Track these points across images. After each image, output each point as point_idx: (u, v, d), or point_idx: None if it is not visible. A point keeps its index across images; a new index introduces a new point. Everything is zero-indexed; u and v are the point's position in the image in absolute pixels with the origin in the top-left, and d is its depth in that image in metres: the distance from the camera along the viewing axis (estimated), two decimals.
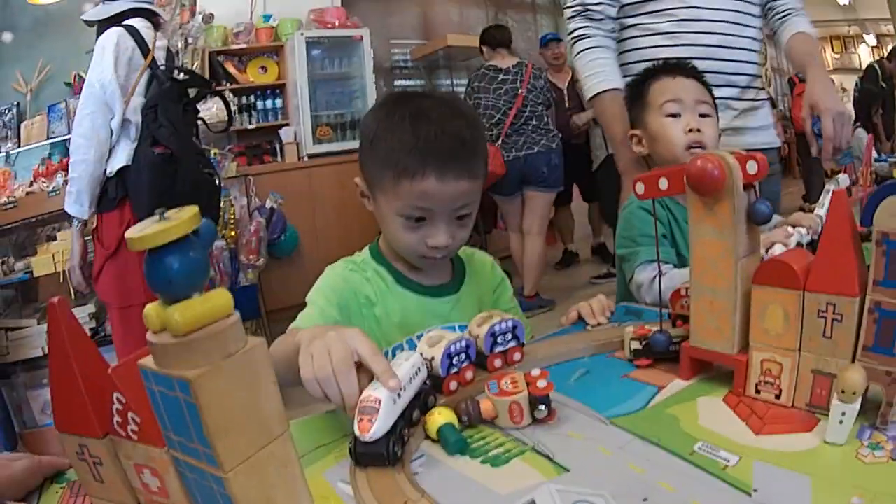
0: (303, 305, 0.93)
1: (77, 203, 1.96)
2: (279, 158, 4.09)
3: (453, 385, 0.74)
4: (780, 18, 1.51)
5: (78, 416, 0.46)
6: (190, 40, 3.50)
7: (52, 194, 2.75)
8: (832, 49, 9.91)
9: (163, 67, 2.05)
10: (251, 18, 4.15)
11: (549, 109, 3.61)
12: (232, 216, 3.12)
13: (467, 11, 5.36)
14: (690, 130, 1.17)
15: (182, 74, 2.16)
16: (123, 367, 0.44)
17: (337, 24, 4.21)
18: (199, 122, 2.19)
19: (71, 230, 2.09)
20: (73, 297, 2.40)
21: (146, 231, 0.37)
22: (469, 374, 0.76)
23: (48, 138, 3.45)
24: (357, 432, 0.60)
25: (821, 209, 1.12)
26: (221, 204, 2.89)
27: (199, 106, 2.20)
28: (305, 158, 4.01)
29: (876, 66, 6.15)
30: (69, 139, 2.23)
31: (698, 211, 0.71)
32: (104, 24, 1.99)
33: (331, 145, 4.05)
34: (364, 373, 0.64)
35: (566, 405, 0.73)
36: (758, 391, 0.70)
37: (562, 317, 1.03)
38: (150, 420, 0.43)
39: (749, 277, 0.69)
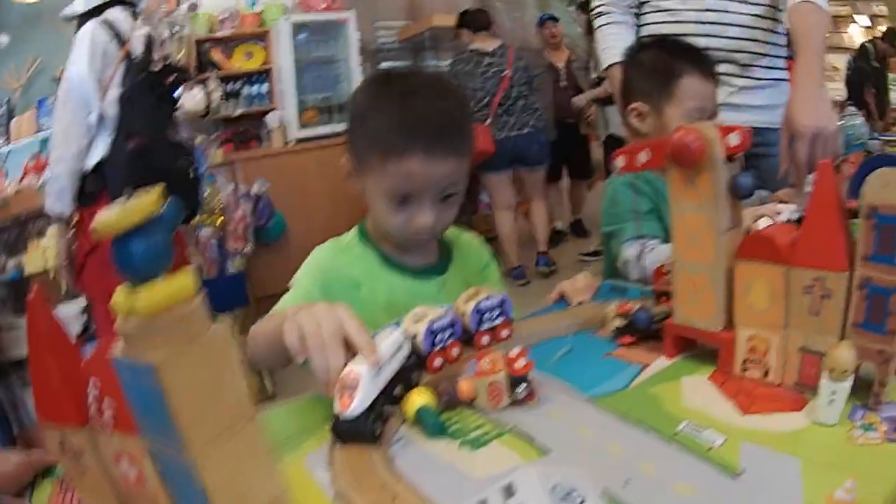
0: None
1: (59, 202, 1.93)
2: (266, 144, 4.06)
3: (438, 362, 0.73)
4: None
5: (56, 405, 0.47)
6: (176, 28, 3.46)
7: (42, 189, 2.70)
8: None
9: (139, 57, 2.01)
10: (236, 5, 4.10)
11: (532, 89, 3.63)
12: (219, 203, 3.08)
13: None
14: None
15: (158, 64, 2.12)
16: (97, 356, 0.44)
17: (323, 6, 4.18)
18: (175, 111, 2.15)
19: (55, 228, 2.06)
20: (63, 293, 2.37)
21: (106, 218, 0.37)
22: (455, 351, 0.75)
23: (38, 132, 3.41)
24: (338, 408, 0.59)
25: (810, 186, 1.10)
26: (208, 192, 2.86)
27: (185, 94, 2.16)
28: (292, 143, 3.98)
29: (869, 45, 6.13)
30: None
31: (679, 185, 0.70)
32: (84, 19, 1.96)
33: (317, 129, 4.02)
34: (348, 351, 0.63)
35: (548, 385, 0.71)
36: (744, 369, 0.68)
37: (547, 294, 1.03)
38: (124, 407, 0.43)
39: (732, 253, 0.67)
